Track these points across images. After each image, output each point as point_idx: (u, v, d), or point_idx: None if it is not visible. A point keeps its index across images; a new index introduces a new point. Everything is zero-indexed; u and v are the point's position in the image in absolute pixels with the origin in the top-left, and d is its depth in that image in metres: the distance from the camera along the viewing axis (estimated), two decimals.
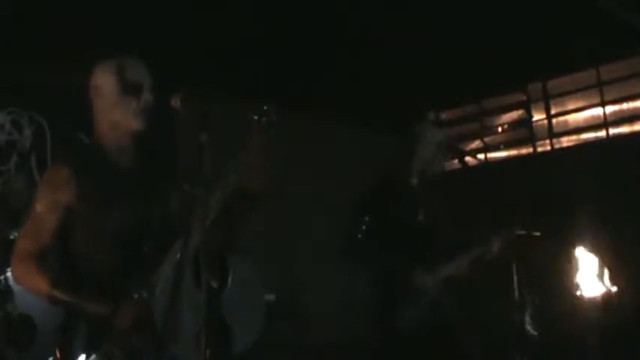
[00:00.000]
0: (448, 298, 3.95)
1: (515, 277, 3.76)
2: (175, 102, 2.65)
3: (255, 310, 2.72)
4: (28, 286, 2.65)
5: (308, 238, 7.13)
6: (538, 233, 4.12)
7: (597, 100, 7.51)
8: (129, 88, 2.69)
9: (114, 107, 2.70)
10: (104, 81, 2.70)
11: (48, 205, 2.62)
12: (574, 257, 5.92)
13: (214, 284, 2.35)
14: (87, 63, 2.83)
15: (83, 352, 2.50)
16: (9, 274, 4.73)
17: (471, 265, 4.01)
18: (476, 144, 8.39)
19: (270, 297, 5.58)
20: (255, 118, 2.56)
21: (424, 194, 4.13)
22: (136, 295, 2.49)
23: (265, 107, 2.57)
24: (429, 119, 7.26)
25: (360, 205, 4.04)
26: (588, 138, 7.64)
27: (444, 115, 8.52)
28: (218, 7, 5.50)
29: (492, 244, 4.00)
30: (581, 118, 7.75)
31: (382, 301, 3.90)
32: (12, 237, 4.89)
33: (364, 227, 3.91)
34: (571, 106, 7.79)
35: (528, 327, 3.76)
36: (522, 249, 4.01)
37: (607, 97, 7.43)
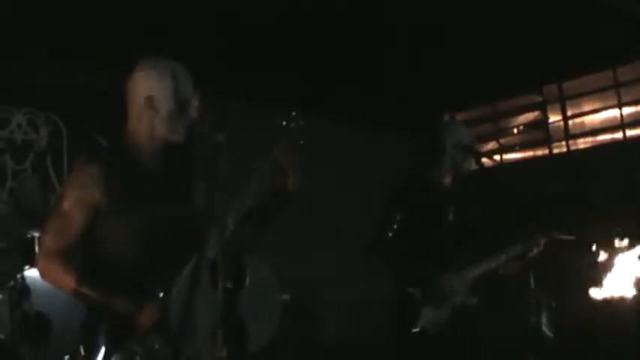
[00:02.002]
0: (472, 301, 3.94)
1: (531, 279, 3.74)
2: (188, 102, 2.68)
3: (271, 310, 2.72)
4: (54, 283, 2.65)
5: (324, 238, 7.14)
6: (572, 237, 4.10)
7: (614, 101, 7.46)
8: (181, 106, 2.69)
9: (164, 122, 2.69)
10: (161, 95, 2.67)
11: (75, 202, 2.61)
12: (591, 259, 5.90)
13: (229, 285, 2.36)
14: (99, 64, 2.83)
15: (106, 351, 2.51)
16: (26, 272, 4.78)
17: (510, 265, 4.00)
18: (491, 145, 8.36)
19: (285, 297, 5.59)
20: (284, 123, 2.58)
21: (455, 194, 4.11)
22: (161, 295, 2.50)
23: (293, 113, 2.59)
24: (458, 120, 7.26)
25: (390, 204, 4.03)
26: (605, 139, 7.60)
27: (459, 117, 8.51)
28: (232, 8, 5.51)
29: (536, 244, 3.99)
30: (598, 119, 7.70)
31: (404, 302, 3.88)
32: (29, 236, 4.94)
33: (394, 226, 3.89)
34: (587, 108, 7.75)
35: (545, 329, 3.74)
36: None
37: (624, 99, 7.38)
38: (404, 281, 3.89)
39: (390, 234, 3.87)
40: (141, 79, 2.71)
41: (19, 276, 4.75)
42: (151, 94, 2.67)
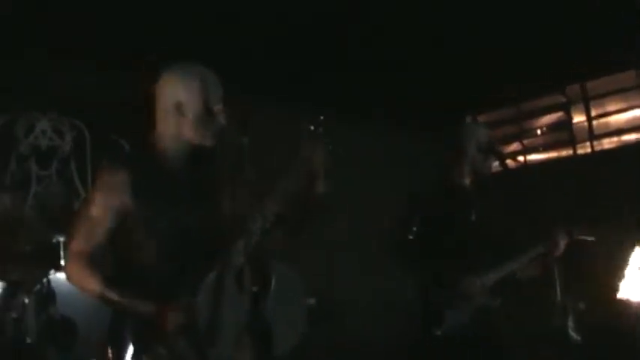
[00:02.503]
0: (495, 303, 3.91)
1: (557, 281, 3.71)
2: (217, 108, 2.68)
3: (297, 315, 2.71)
4: (80, 286, 2.67)
5: (347, 240, 7.13)
6: (593, 238, 4.06)
7: (638, 101, 7.38)
8: (210, 112, 2.68)
9: (191, 127, 2.69)
10: (189, 101, 2.66)
11: (101, 206, 2.63)
12: (618, 261, 5.84)
13: (255, 289, 2.36)
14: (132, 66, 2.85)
15: (133, 354, 2.52)
16: (51, 276, 4.82)
17: (531, 266, 3.97)
18: (515, 146, 8.30)
19: (311, 301, 5.58)
20: (312, 128, 2.58)
21: (476, 196, 4.09)
22: (186, 298, 2.51)
23: (321, 118, 2.58)
24: (478, 120, 7.21)
25: (410, 206, 4.02)
26: (630, 139, 7.52)
27: (482, 118, 8.46)
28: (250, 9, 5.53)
29: (557, 245, 3.95)
30: (622, 119, 7.62)
31: (426, 304, 3.87)
32: (54, 241, 4.99)
33: (415, 228, 3.88)
34: (611, 108, 7.66)
35: (571, 332, 3.71)
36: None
37: None
38: (425, 284, 3.88)
39: (411, 236, 3.87)
40: (169, 84, 2.71)
41: (44, 280, 4.80)
42: (179, 100, 2.68)
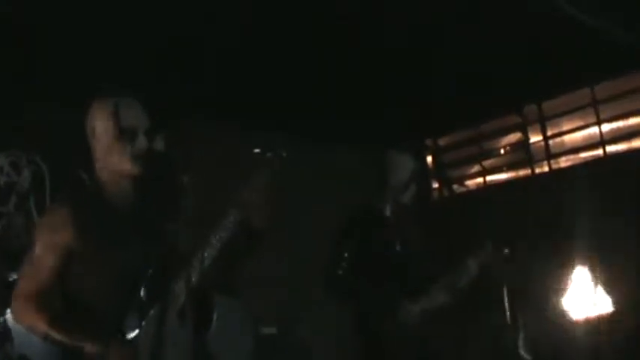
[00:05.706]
0: (433, 329, 3.93)
1: (505, 300, 3.74)
2: (157, 143, 2.70)
3: (242, 347, 2.73)
4: (26, 325, 2.71)
5: (308, 268, 7.11)
6: (507, 250, 4.03)
7: (593, 119, 7.51)
8: (124, 133, 2.70)
9: (109, 151, 2.72)
10: (99, 124, 2.72)
11: (47, 246, 2.67)
12: (571, 278, 5.91)
13: (197, 322, 2.36)
14: (85, 101, 2.87)
15: None
16: (8, 315, 4.76)
17: (450, 292, 3.97)
18: (474, 169, 8.39)
19: (271, 330, 5.57)
20: (260, 154, 2.60)
21: (399, 224, 4.12)
22: (130, 335, 2.52)
23: (270, 144, 2.61)
24: (403, 146, 7.25)
25: (339, 240, 4.05)
26: (586, 157, 7.64)
27: (441, 141, 8.54)
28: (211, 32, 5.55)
29: (469, 267, 3.96)
30: (578, 137, 7.75)
31: (366, 335, 3.90)
32: (11, 279, 4.93)
33: (344, 263, 3.91)
34: (567, 127, 7.79)
35: (522, 352, 3.74)
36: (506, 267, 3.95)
37: (603, 116, 7.44)
38: (361, 315, 3.90)
39: (341, 271, 3.89)
40: (88, 114, 2.78)
41: (1, 318, 4.74)
42: (92, 126, 2.73)
